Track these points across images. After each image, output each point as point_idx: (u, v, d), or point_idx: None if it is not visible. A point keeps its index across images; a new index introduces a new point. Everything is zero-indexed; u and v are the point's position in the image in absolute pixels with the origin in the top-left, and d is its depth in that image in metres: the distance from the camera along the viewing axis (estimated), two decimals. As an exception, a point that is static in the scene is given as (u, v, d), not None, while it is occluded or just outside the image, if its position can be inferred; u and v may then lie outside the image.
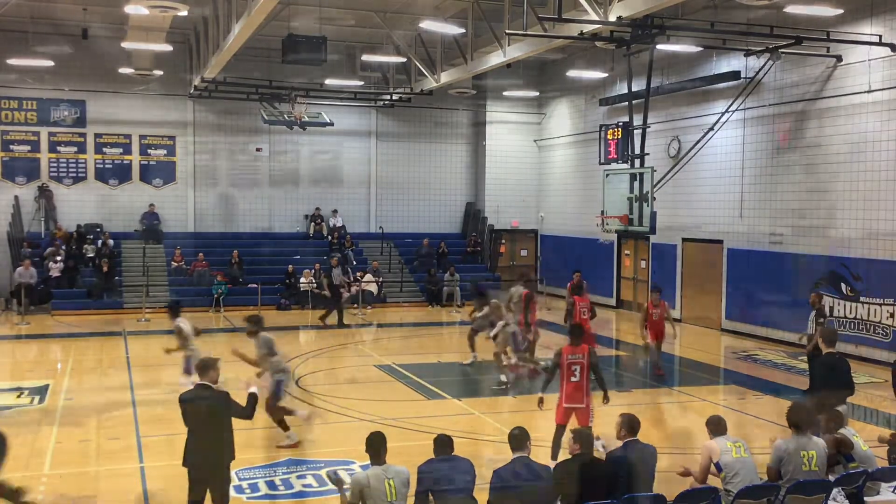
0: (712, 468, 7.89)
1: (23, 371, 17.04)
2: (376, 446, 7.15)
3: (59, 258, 24.75)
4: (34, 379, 15.25)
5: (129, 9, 17.43)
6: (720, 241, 21.89)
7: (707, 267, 22.37)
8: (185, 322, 12.42)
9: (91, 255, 25.68)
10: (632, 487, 7.22)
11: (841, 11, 17.01)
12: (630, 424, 7.85)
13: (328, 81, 26.50)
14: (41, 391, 14.19)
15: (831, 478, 8.04)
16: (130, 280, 25.47)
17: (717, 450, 7.82)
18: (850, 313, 17.95)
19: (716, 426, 8.11)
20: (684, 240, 23.32)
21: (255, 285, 24.91)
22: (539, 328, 16.83)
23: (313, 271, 25.43)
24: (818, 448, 7.90)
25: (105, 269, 24.67)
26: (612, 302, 26.48)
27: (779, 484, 7.65)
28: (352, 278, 26.07)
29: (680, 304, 23.43)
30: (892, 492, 8.11)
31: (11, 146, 26.44)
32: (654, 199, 17.54)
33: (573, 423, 9.61)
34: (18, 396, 14.05)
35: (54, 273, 24.44)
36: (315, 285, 24.99)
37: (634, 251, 25.93)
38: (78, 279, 24.82)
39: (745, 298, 21.10)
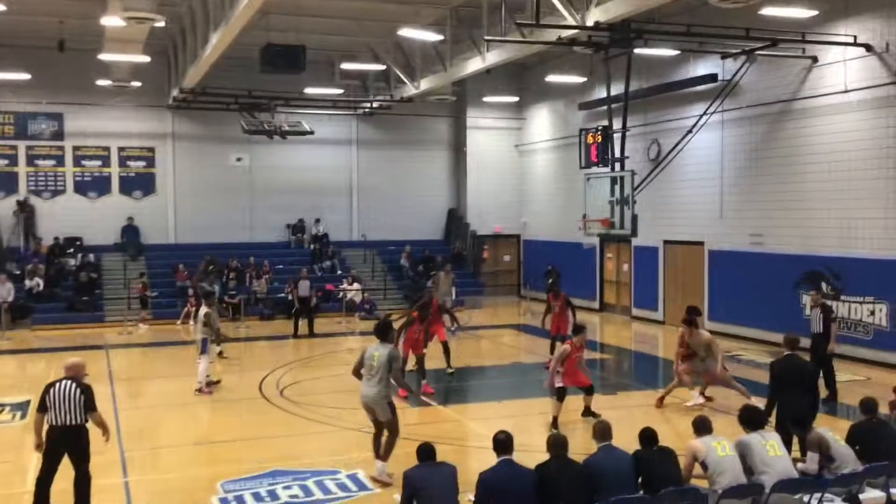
0: (698, 468, 7.95)
1: (4, 387, 16.86)
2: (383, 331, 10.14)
3: (39, 273, 24.58)
4: (15, 395, 15.08)
5: (106, 21, 17.35)
6: (701, 243, 22.01)
7: (689, 268, 22.48)
8: None
9: (71, 268, 25.53)
10: (610, 491, 7.29)
11: (816, 13, 17.15)
12: (603, 430, 7.96)
13: (307, 90, 26.47)
14: (23, 407, 14.04)
15: (824, 475, 8.17)
16: (111, 293, 25.32)
17: (702, 449, 7.88)
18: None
19: (701, 426, 8.18)
20: (666, 242, 23.45)
21: (233, 293, 24.87)
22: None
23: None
24: (775, 437, 8.23)
25: (85, 282, 24.50)
26: (596, 305, 26.57)
27: (761, 482, 7.72)
28: (337, 287, 26.14)
29: (662, 306, 23.55)
30: (882, 490, 8.20)
31: (-11, 160, 26.26)
32: (636, 202, 17.60)
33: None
34: (0, 413, 13.92)
35: (34, 288, 24.25)
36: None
37: (617, 254, 26.03)
38: (58, 293, 24.65)
39: (727, 299, 21.21)
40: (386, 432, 10.13)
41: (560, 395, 12.46)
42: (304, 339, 21.66)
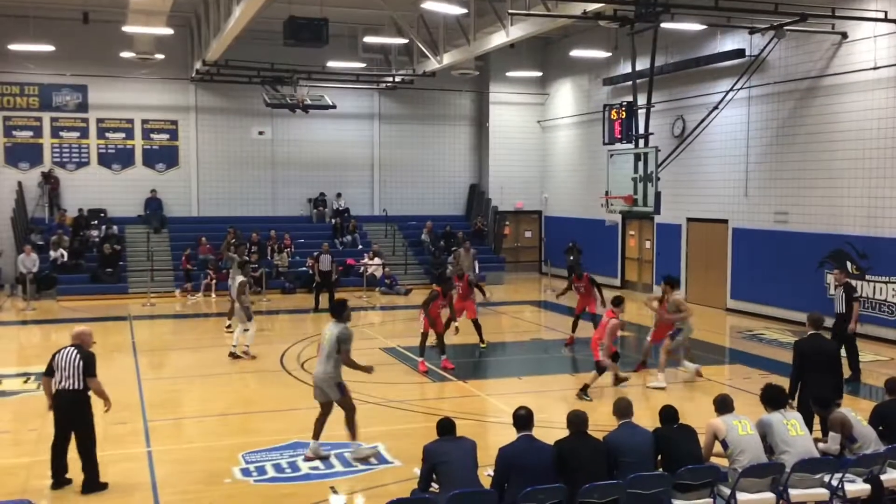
0: (718, 446, 7.93)
1: (29, 356, 17.10)
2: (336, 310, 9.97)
3: (63, 245, 24.80)
4: (41, 364, 15.23)
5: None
6: (725, 221, 21.84)
7: (712, 246, 22.32)
8: None
9: (95, 240, 25.74)
10: (629, 467, 7.29)
11: (846, -13, 16.87)
12: (624, 407, 7.97)
13: (330, 64, 26.39)
14: (47, 376, 14.22)
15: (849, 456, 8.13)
16: (134, 265, 25.52)
17: (722, 427, 7.86)
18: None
19: (722, 405, 8.14)
20: (689, 219, 23.28)
21: (255, 266, 24.96)
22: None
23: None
24: (796, 416, 8.20)
25: (109, 254, 24.70)
26: (617, 282, 26.47)
27: (781, 461, 7.69)
28: (358, 261, 26.18)
29: (685, 283, 23.40)
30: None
31: (14, 132, 26.43)
32: (659, 179, 17.44)
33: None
34: (25, 382, 14.11)
35: (59, 259, 24.48)
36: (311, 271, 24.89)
37: (639, 232, 25.90)
38: (82, 264, 24.87)
39: (750, 278, 21.06)
40: (344, 413, 9.98)
41: (600, 369, 13.01)
42: (325, 313, 21.65)
